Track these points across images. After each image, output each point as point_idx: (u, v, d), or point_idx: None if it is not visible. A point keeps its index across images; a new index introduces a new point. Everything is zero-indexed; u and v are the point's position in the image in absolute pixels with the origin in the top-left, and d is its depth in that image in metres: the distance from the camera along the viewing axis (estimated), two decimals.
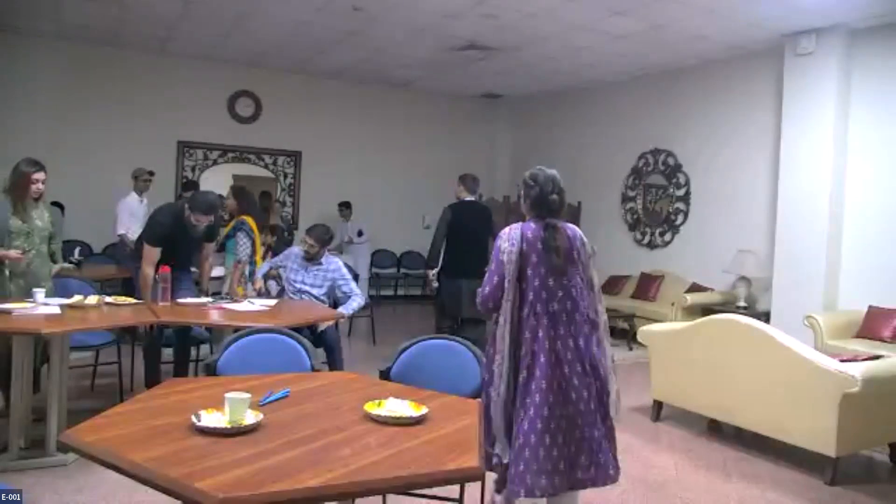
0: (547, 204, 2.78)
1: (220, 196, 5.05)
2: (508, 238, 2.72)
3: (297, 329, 3.14)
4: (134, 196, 7.13)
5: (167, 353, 4.77)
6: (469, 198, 5.70)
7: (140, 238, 4.75)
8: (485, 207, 5.88)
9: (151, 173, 7.30)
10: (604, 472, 2.64)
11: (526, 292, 2.66)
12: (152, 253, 4.38)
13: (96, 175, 8.12)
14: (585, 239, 2.84)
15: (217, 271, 6.61)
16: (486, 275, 2.78)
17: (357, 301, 4.87)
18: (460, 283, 5.31)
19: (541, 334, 2.61)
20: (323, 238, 4.88)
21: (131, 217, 7.00)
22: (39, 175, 4.06)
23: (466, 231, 5.43)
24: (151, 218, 4.65)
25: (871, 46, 6.16)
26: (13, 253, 3.93)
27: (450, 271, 5.47)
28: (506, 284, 2.66)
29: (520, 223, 2.80)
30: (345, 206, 9.07)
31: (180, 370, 4.59)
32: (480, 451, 1.78)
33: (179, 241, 4.45)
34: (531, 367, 2.59)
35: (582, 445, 2.60)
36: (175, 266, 4.35)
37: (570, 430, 2.57)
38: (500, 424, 2.61)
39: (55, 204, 7.02)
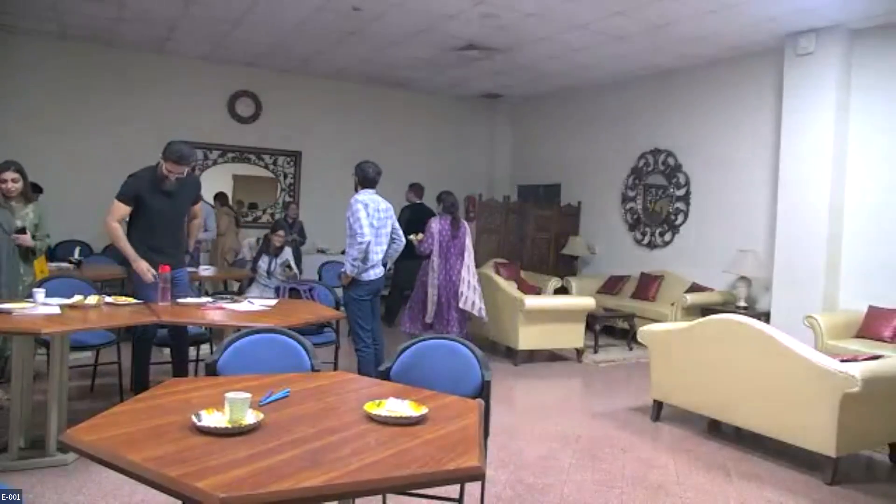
0: (454, 208, 6.15)
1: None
2: (434, 222, 6.07)
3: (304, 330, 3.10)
4: None
5: (166, 352, 4.77)
6: (418, 201, 7.96)
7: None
8: (429, 209, 7.59)
9: None
10: (452, 330, 5.84)
11: (441, 248, 5.95)
12: (119, 208, 4.20)
13: (96, 175, 8.12)
14: (468, 227, 6.24)
15: (208, 271, 6.61)
16: (425, 239, 5.99)
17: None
18: (407, 262, 6.86)
19: (447, 265, 5.97)
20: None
21: None
22: (7, 175, 4.06)
23: (418, 226, 6.83)
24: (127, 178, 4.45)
25: (871, 46, 6.17)
26: None
27: (405, 254, 6.82)
28: (436, 244, 5.95)
29: (438, 216, 6.14)
30: None
31: (179, 370, 4.57)
32: (480, 451, 1.79)
33: (156, 206, 4.27)
34: (443, 279, 5.96)
35: (448, 315, 5.96)
36: (162, 249, 4.25)
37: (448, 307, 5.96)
38: (433, 308, 5.94)
39: (34, 186, 7.00)
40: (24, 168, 4.38)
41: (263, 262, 6.46)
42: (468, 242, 6.09)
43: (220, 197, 8.75)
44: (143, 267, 4.22)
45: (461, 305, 5.92)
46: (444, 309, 5.93)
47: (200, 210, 4.73)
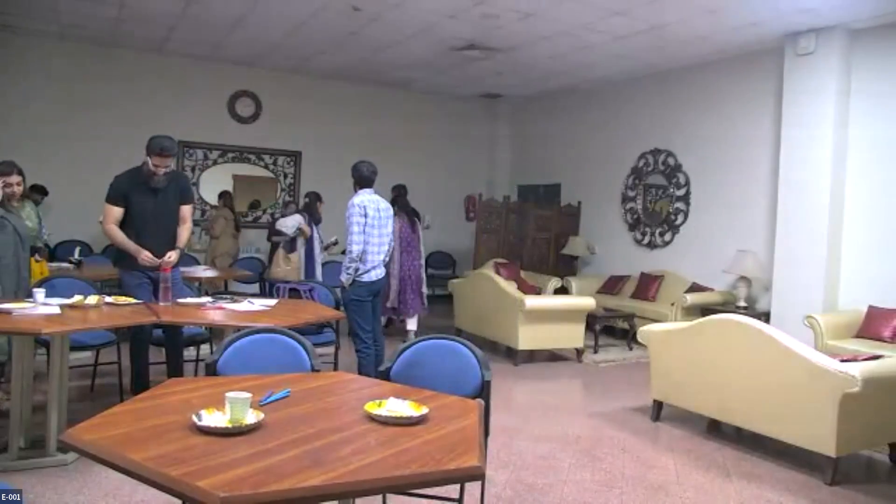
0: (409, 208, 7.10)
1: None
2: (395, 222, 5.99)
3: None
4: None
5: (163, 352, 4.76)
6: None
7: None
8: (414, 209, 8.08)
9: None
10: (414, 310, 6.95)
11: (402, 243, 6.88)
12: (111, 211, 4.19)
13: (96, 175, 8.09)
14: (420, 222, 7.27)
15: (208, 272, 6.60)
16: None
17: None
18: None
19: (409, 258, 6.96)
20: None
21: None
22: (12, 178, 4.04)
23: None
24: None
25: (871, 46, 6.17)
26: None
27: None
28: (397, 240, 6.59)
29: (397, 216, 6.50)
30: None
31: (173, 370, 4.53)
32: (480, 451, 1.79)
33: (143, 205, 4.24)
34: (405, 270, 6.90)
35: (409, 299, 6.90)
36: (152, 249, 4.22)
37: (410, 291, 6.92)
38: (395, 296, 6.84)
39: (36, 188, 7.01)
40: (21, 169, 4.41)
41: (316, 234, 7.17)
42: (420, 236, 7.20)
43: (223, 196, 8.65)
44: (146, 256, 4.21)
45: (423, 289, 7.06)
46: (404, 294, 6.92)
47: (189, 212, 4.60)
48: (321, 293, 5.27)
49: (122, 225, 4.30)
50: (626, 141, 8.89)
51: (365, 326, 4.87)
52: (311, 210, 7.33)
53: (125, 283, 4.39)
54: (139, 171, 4.27)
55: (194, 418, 1.82)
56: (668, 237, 8.33)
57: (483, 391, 2.68)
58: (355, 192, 4.96)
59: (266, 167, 9.55)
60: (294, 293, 5.22)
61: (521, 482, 3.51)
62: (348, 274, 4.79)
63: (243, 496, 1.43)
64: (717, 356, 4.24)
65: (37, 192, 7.06)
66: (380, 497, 2.91)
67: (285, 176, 9.68)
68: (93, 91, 8.34)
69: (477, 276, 7.41)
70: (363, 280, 4.81)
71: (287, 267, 7.03)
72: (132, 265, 4.30)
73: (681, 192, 8.16)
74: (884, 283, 5.98)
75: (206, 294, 5.39)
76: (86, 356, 4.98)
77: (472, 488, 2.87)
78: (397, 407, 2.02)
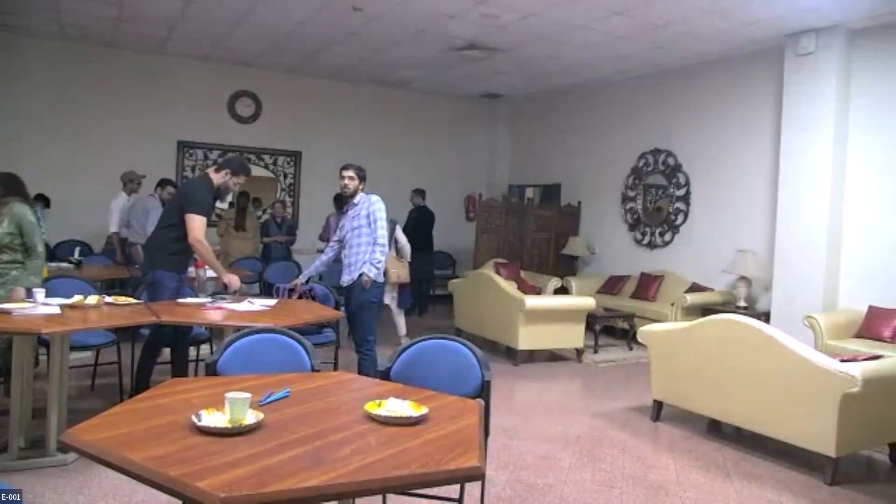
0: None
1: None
2: (332, 218, 7.00)
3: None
4: (123, 196, 7.28)
5: (166, 352, 4.76)
6: (421, 204, 8.92)
7: (176, 214, 4.34)
8: (430, 210, 9.02)
9: (143, 177, 7.46)
10: None
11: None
12: (204, 223, 4.23)
13: (96, 175, 8.13)
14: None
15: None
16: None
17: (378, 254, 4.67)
18: (420, 253, 8.31)
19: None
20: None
21: (121, 216, 7.28)
22: None
23: (421, 224, 8.81)
24: (192, 191, 4.34)
25: (870, 46, 6.17)
26: None
27: (419, 246, 8.28)
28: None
29: (337, 213, 7.00)
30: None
31: (179, 371, 4.55)
32: (480, 451, 1.79)
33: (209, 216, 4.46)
34: None
35: None
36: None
37: None
38: None
39: (39, 197, 6.97)
40: None
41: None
42: None
43: (241, 197, 8.53)
44: (236, 279, 4.45)
45: None
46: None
47: None
48: (321, 293, 5.26)
49: (173, 233, 4.26)
50: (626, 141, 8.88)
51: (374, 329, 4.84)
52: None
53: (163, 284, 4.28)
54: (209, 183, 4.39)
55: (194, 418, 1.82)
56: (668, 237, 8.33)
57: (483, 391, 2.68)
58: (362, 191, 4.89)
59: (266, 167, 9.55)
60: (294, 293, 5.20)
61: (521, 482, 3.51)
62: (377, 269, 4.67)
63: (243, 496, 1.43)
64: (717, 356, 4.24)
65: (38, 201, 7.03)
66: (380, 497, 2.91)
67: (285, 176, 9.68)
68: (93, 91, 8.34)
69: (477, 276, 7.41)
70: (380, 280, 4.76)
71: (403, 270, 6.57)
72: (178, 268, 4.35)
73: (681, 192, 8.15)
74: (884, 283, 5.98)
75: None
76: (86, 356, 4.98)
77: (472, 488, 2.87)
78: (397, 407, 2.02)
